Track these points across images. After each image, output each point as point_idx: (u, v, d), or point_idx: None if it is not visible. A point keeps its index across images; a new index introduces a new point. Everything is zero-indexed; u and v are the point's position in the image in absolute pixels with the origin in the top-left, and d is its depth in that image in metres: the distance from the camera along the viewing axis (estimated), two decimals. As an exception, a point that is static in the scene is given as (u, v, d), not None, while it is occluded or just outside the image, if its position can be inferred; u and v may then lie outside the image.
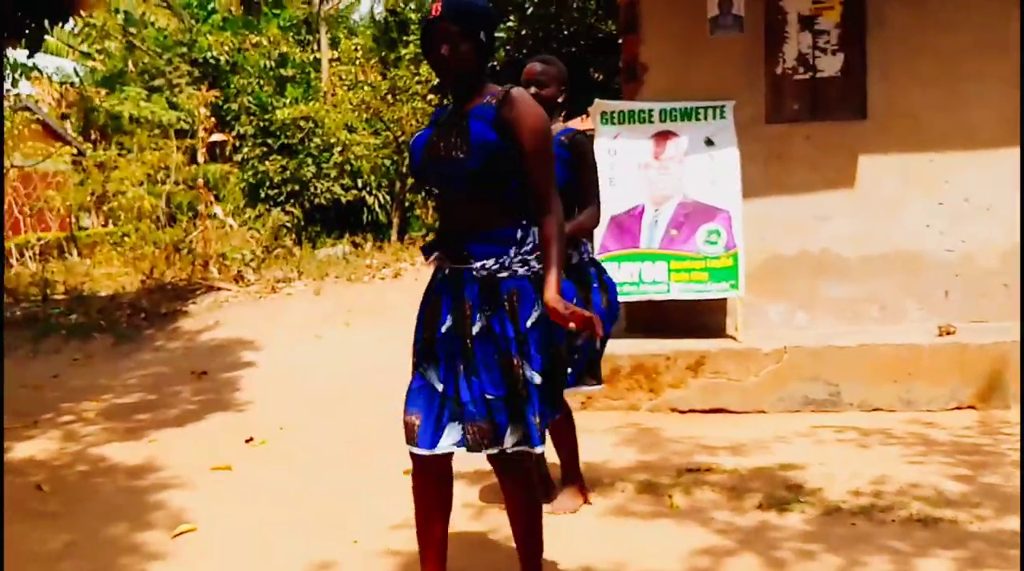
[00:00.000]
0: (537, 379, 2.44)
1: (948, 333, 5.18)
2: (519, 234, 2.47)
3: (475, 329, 2.44)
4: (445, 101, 2.83)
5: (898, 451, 4.26)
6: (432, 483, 2.60)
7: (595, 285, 3.48)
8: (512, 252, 2.44)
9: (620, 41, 5.89)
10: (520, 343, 2.41)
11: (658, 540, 3.27)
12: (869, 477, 3.83)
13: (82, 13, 6.83)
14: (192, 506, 3.89)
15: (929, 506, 3.45)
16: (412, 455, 2.56)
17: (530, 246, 2.47)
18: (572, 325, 2.32)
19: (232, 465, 4.49)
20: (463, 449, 2.50)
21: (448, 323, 2.49)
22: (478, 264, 2.43)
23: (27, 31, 6.58)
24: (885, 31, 5.46)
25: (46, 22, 6.70)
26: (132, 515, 3.81)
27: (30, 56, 6.75)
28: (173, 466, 4.53)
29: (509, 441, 2.44)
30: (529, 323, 2.43)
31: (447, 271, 2.51)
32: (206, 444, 4.96)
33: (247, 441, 4.97)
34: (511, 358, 2.41)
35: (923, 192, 5.54)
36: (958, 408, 4.99)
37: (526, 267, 2.45)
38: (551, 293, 2.35)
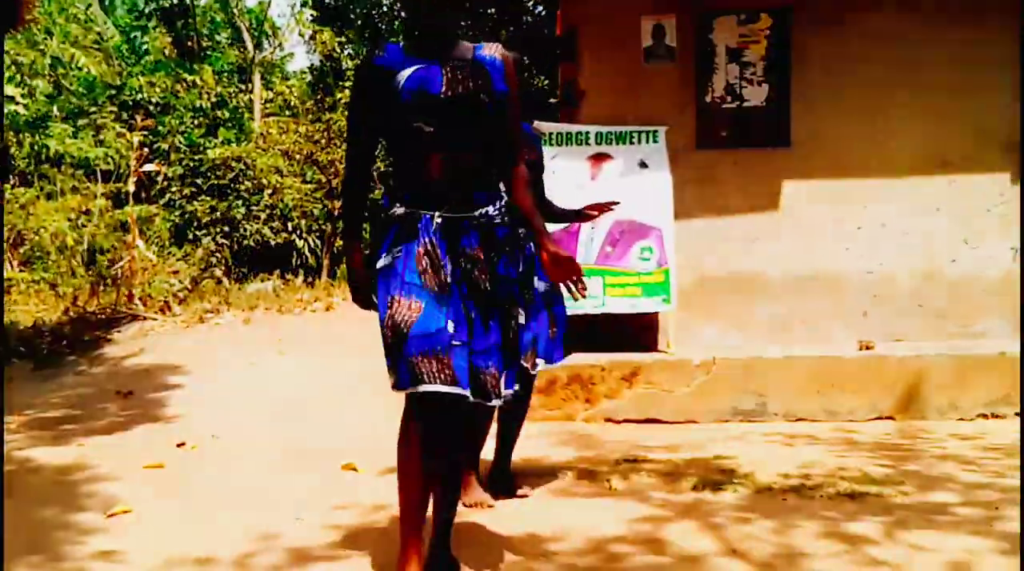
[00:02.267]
0: (523, 319, 2.56)
1: (868, 348, 5.42)
2: (500, 186, 2.60)
3: (487, 273, 2.50)
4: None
5: (823, 448, 4.43)
6: (433, 426, 2.46)
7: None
8: (502, 201, 2.57)
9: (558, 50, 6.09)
10: (517, 286, 2.55)
11: (599, 513, 3.34)
12: (797, 464, 3.99)
13: (17, 32, 6.74)
14: (126, 494, 3.81)
15: (856, 484, 3.60)
16: (424, 397, 2.39)
17: (505, 198, 2.60)
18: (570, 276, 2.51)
19: (165, 464, 4.42)
20: (471, 397, 2.44)
21: (449, 269, 2.45)
22: (479, 212, 2.50)
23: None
24: (808, 64, 5.80)
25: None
26: (64, 501, 3.73)
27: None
28: (103, 465, 4.42)
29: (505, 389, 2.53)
30: (519, 269, 2.57)
31: (439, 220, 2.46)
32: (136, 448, 4.85)
33: (179, 445, 4.88)
34: (513, 300, 2.54)
35: (843, 217, 5.84)
36: (878, 418, 5.20)
37: (509, 216, 2.58)
38: (552, 243, 2.52)
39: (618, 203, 3.89)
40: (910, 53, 5.76)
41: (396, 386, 2.42)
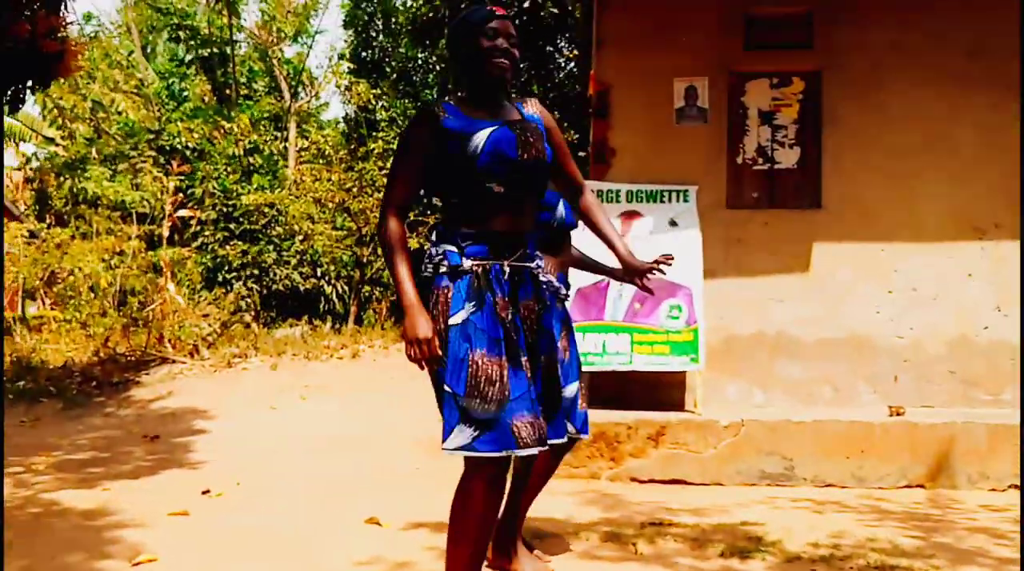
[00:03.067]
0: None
1: (898, 413, 5.36)
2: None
3: (537, 325, 2.59)
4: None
5: (852, 516, 4.36)
6: (501, 493, 2.46)
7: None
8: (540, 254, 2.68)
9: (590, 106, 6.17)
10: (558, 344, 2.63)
11: (624, 579, 3.31)
12: (826, 532, 3.92)
13: (62, 80, 6.92)
14: (151, 542, 3.81)
15: (886, 556, 3.54)
16: (491, 461, 2.36)
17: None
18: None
19: (190, 512, 4.42)
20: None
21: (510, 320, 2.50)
22: (534, 264, 2.59)
23: (9, 91, 6.69)
24: (839, 128, 5.84)
25: (29, 82, 6.82)
26: (89, 547, 3.74)
27: (10, 113, 6.85)
28: (129, 511, 4.44)
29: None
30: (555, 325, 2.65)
31: (508, 269, 2.50)
32: (162, 494, 4.87)
33: (204, 493, 4.89)
34: (555, 353, 2.63)
35: (874, 280, 5.83)
36: (908, 486, 5.11)
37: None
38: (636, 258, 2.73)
39: (672, 259, 3.42)
40: (940, 118, 5.80)
41: (496, 448, 2.34)
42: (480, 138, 2.49)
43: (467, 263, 2.47)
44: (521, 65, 2.62)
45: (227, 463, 5.80)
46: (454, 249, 2.49)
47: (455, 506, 2.42)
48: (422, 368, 2.43)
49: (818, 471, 5.17)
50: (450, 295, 2.44)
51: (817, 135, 5.86)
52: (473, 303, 2.43)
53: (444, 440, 2.38)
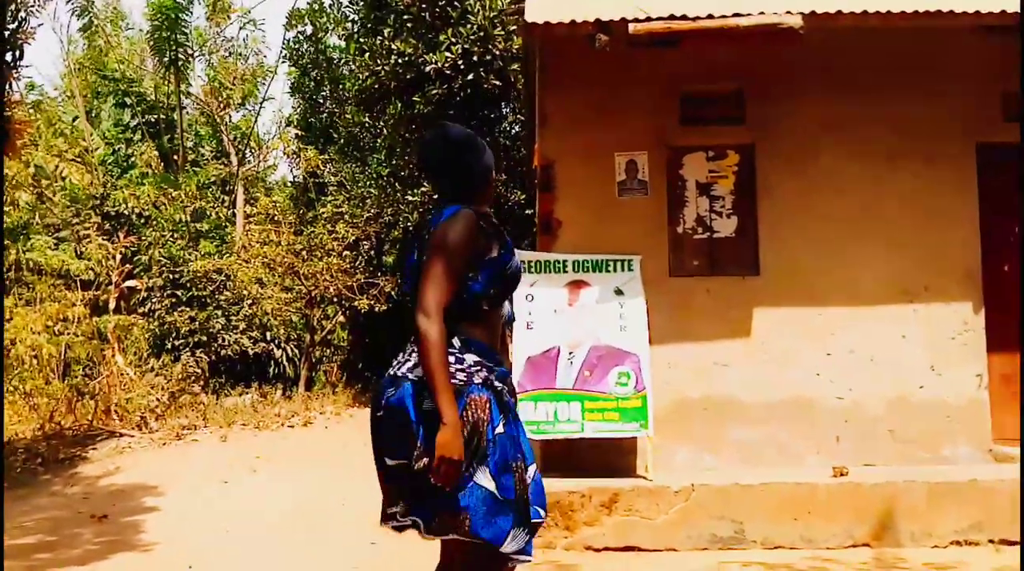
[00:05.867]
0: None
1: (842, 474, 5.51)
2: None
3: None
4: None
5: (801, 582, 4.48)
6: None
7: None
8: None
9: (529, 193, 6.34)
10: None
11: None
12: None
13: (8, 155, 6.93)
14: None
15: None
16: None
17: None
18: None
19: (142, 600, 4.39)
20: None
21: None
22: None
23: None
24: (774, 198, 6.07)
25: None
26: (40, 643, 3.70)
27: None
28: (79, 601, 4.40)
29: None
30: None
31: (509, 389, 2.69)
32: (112, 581, 4.82)
33: (156, 578, 4.85)
34: None
35: (813, 343, 6.02)
36: (854, 546, 5.25)
37: None
38: None
39: None
40: (869, 188, 6.07)
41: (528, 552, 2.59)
42: (518, 255, 2.76)
43: (496, 383, 2.58)
44: None
45: (178, 545, 5.74)
46: (488, 364, 2.59)
47: None
48: (447, 488, 2.43)
49: (767, 533, 5.29)
50: (488, 405, 2.52)
51: (753, 205, 6.09)
52: (506, 413, 2.58)
53: (501, 544, 2.49)
